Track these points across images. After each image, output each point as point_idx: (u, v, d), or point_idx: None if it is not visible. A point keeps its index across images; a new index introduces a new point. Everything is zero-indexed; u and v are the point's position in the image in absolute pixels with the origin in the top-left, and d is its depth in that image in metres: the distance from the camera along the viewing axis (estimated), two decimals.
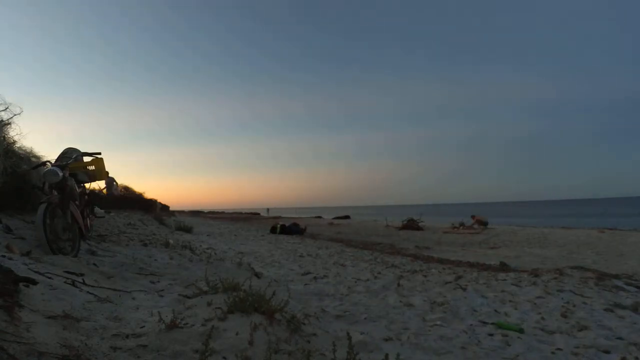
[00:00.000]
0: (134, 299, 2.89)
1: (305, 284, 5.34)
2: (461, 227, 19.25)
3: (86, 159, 4.96)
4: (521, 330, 3.28)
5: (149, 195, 16.11)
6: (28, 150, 5.39)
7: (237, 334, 2.13)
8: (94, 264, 3.83)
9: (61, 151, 4.66)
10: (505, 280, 5.07)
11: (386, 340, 3.03)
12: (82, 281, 2.90)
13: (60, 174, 4.02)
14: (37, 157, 5.36)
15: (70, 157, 4.51)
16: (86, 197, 5.07)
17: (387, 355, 1.79)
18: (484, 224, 19.11)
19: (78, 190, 4.61)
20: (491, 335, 3.23)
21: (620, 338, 3.11)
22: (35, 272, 2.75)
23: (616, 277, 4.94)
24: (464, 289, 4.71)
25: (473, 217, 20.15)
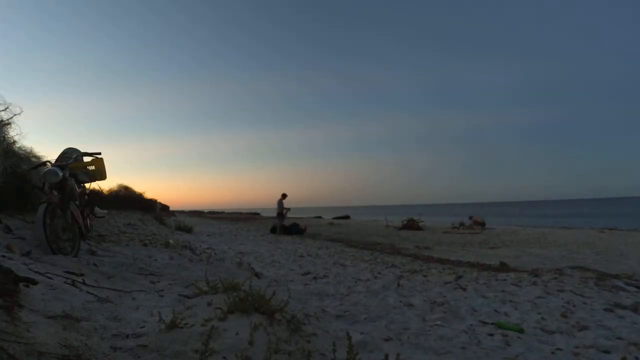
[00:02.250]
0: (134, 299, 2.89)
1: (305, 284, 5.34)
2: (461, 227, 19.33)
3: (86, 159, 4.96)
4: (521, 330, 3.28)
5: (149, 195, 16.12)
6: (28, 150, 5.39)
7: (237, 334, 2.13)
8: (94, 264, 3.83)
9: (61, 151, 4.66)
10: (505, 280, 5.06)
11: (386, 340, 3.03)
12: (82, 281, 2.90)
13: (60, 174, 4.02)
14: (37, 157, 5.36)
15: (70, 157, 4.51)
16: (86, 197, 5.07)
17: (387, 355, 1.80)
18: (481, 224, 19.30)
19: (78, 190, 4.61)
20: (491, 335, 3.22)
21: (620, 338, 3.11)
22: (35, 272, 2.75)
23: (616, 277, 4.94)
24: (464, 289, 4.71)
25: (471, 217, 20.35)
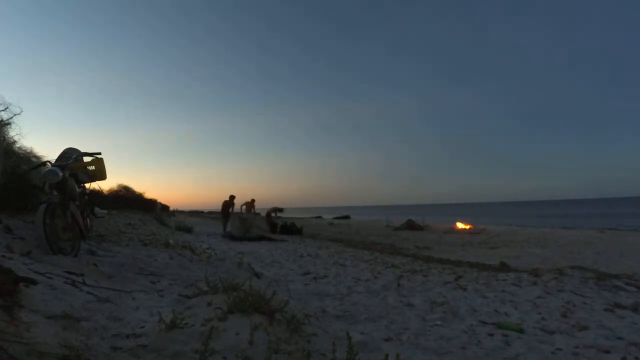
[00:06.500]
0: (134, 299, 2.88)
1: (305, 284, 5.34)
2: (463, 223, 19.47)
3: (86, 159, 4.95)
4: (521, 330, 3.29)
5: (149, 195, 16.16)
6: (28, 150, 5.39)
7: (237, 334, 2.13)
8: (94, 264, 3.83)
9: (61, 151, 4.66)
10: (505, 280, 5.06)
11: (386, 340, 3.03)
12: (82, 281, 2.90)
13: (61, 174, 4.01)
14: (37, 157, 5.36)
15: (70, 157, 4.51)
16: (86, 197, 5.07)
17: (387, 355, 1.80)
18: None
19: (78, 190, 4.61)
20: (491, 335, 3.23)
21: (620, 338, 3.11)
22: (35, 272, 2.75)
23: (616, 277, 4.94)
24: (464, 289, 4.71)
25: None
